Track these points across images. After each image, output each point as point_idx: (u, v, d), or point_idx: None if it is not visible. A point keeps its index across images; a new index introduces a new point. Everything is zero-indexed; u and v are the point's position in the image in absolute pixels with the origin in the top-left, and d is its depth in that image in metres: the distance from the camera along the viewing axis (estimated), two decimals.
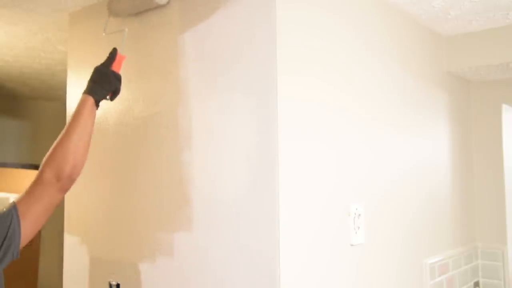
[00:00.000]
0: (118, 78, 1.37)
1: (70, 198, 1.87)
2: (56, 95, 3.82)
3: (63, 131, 1.24)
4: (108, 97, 1.37)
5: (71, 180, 1.21)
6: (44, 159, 1.20)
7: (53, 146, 1.22)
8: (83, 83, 1.34)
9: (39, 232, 3.89)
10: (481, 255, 2.43)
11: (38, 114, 4.21)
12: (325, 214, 1.41)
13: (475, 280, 2.39)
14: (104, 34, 1.68)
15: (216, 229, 1.37)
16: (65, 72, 2.81)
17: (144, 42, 1.63)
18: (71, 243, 1.84)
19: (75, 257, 1.80)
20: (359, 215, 1.53)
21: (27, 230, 1.12)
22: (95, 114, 1.30)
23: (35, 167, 4.04)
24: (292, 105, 1.31)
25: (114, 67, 1.38)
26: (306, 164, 1.35)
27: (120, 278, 1.63)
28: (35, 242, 3.85)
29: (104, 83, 1.33)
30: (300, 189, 1.32)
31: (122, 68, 1.39)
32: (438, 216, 2.08)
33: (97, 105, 1.31)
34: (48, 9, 1.90)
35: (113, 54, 1.39)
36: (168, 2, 1.55)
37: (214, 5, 1.43)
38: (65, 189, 1.21)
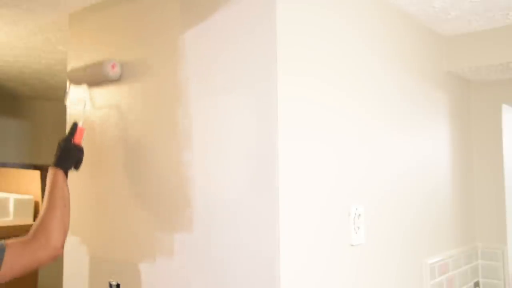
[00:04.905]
0: (80, 150, 1.50)
1: (71, 198, 1.87)
2: (56, 95, 3.82)
3: (46, 203, 1.34)
4: (72, 167, 1.47)
5: (62, 245, 1.31)
6: (35, 226, 1.29)
7: (41, 216, 1.31)
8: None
9: None
10: (481, 255, 2.43)
11: (38, 114, 4.21)
12: (325, 214, 1.41)
13: (475, 280, 2.39)
14: (66, 103, 1.83)
15: (216, 229, 1.37)
16: (65, 72, 2.82)
17: (144, 42, 1.64)
18: (71, 243, 1.84)
19: (75, 257, 1.80)
20: (359, 215, 1.53)
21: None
22: (67, 183, 1.41)
23: (35, 167, 4.04)
24: (292, 105, 1.31)
25: (76, 140, 1.49)
26: (306, 164, 1.35)
27: (120, 278, 1.63)
28: None
29: (68, 156, 1.45)
30: (300, 189, 1.32)
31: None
32: (438, 216, 2.08)
33: (66, 175, 1.43)
34: (48, 9, 1.90)
35: (73, 129, 1.50)
36: (120, 77, 1.65)
37: (214, 5, 1.43)
38: (58, 254, 1.29)
